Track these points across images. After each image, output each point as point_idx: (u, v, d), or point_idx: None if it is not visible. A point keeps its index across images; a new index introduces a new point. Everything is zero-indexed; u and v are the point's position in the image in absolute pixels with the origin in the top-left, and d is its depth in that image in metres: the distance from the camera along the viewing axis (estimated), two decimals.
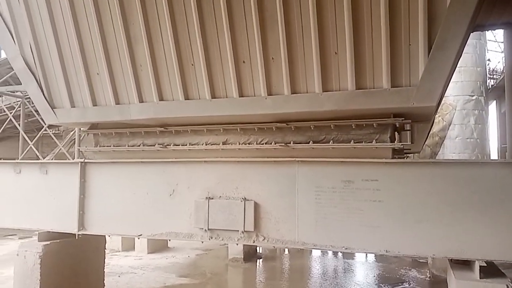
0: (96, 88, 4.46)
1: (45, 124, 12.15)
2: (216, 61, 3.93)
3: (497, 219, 3.46)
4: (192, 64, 4.01)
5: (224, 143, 4.34)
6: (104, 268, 5.77)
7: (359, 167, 3.87)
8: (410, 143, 7.11)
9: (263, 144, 4.19)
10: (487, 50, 18.36)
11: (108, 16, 4.11)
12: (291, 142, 4.07)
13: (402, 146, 3.76)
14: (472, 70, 16.49)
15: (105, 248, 5.85)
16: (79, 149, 6.92)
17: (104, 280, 5.74)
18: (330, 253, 11.16)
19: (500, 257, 3.49)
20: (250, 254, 10.05)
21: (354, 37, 3.47)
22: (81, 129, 5.06)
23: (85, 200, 4.84)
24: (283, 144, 4.08)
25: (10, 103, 14.28)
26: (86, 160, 4.86)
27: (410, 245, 3.69)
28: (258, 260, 10.22)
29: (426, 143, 13.57)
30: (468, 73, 16.46)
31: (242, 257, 9.67)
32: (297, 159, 4.05)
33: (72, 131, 13.73)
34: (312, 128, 4.02)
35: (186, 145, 4.46)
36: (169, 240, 10.19)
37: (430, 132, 13.47)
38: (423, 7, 3.26)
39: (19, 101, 13.35)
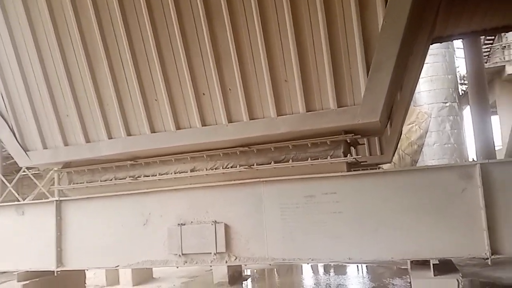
0: (66, 129, 4.68)
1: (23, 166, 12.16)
2: (178, 95, 4.22)
3: (447, 219, 3.76)
4: (156, 100, 4.29)
5: (192, 170, 4.57)
6: None
7: (318, 182, 4.15)
8: (369, 155, 7.50)
9: (229, 168, 4.44)
10: (456, 57, 19.16)
11: (74, 61, 4.38)
12: (255, 164, 4.34)
13: (354, 159, 4.06)
14: (443, 78, 17.16)
15: (85, 284, 5.93)
16: (50, 188, 7.07)
17: None
18: (321, 270, 11.25)
19: (452, 254, 3.79)
20: (235, 277, 10.08)
21: (301, 65, 3.83)
22: (55, 168, 5.24)
23: (62, 237, 4.97)
24: (247, 166, 4.34)
25: None
26: (61, 198, 5.02)
27: (370, 251, 3.96)
28: (244, 282, 10.27)
29: (406, 152, 14.02)
30: (440, 81, 17.11)
31: (227, 280, 9.71)
32: (261, 179, 4.31)
33: (51, 170, 13.72)
34: (273, 150, 4.31)
35: (156, 175, 4.66)
36: (152, 268, 10.23)
37: (409, 141, 13.96)
38: (358, 34, 3.65)
39: None
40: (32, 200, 10.82)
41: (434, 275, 3.75)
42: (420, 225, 3.82)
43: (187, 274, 10.93)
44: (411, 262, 4.28)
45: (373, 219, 3.95)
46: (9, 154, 13.41)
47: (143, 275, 10.60)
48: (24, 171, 12.76)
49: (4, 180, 12.52)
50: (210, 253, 4.38)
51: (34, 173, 13.86)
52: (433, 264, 3.79)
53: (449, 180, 3.81)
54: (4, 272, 10.31)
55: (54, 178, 13.34)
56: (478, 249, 3.67)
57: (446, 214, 3.77)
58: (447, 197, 3.79)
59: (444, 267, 3.91)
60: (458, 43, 20.01)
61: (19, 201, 11.62)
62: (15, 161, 13.95)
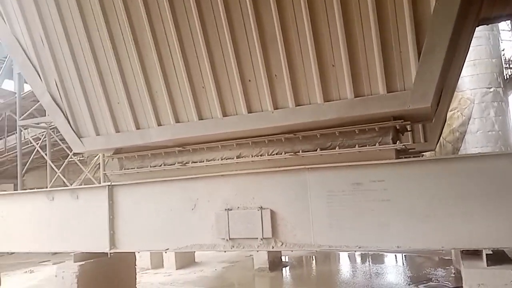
0: (117, 116, 4.86)
1: (70, 152, 12.77)
2: (224, 82, 4.27)
3: (501, 209, 3.62)
4: (203, 87, 4.36)
5: (238, 157, 4.64)
6: (135, 285, 6.09)
7: (366, 169, 4.08)
8: (412, 142, 7.33)
9: (274, 155, 4.47)
10: (501, 40, 18.17)
11: (124, 51, 4.53)
12: (300, 151, 4.34)
13: (403, 146, 3.99)
14: (487, 62, 16.29)
15: (136, 265, 6.18)
16: (104, 173, 7.36)
17: None
18: (358, 259, 11.19)
19: (506, 244, 3.64)
20: (276, 263, 10.21)
21: (349, 49, 3.76)
22: (106, 154, 5.45)
23: (114, 221, 5.17)
24: (293, 153, 4.36)
25: (35, 134, 14.98)
26: (113, 183, 5.22)
27: (419, 239, 3.87)
28: (283, 268, 10.38)
29: (447, 139, 13.60)
30: (484, 65, 16.27)
31: (268, 266, 9.83)
32: (307, 166, 4.28)
33: (95, 156, 14.29)
34: (319, 136, 4.29)
35: (203, 161, 4.77)
36: (194, 252, 10.55)
37: (450, 128, 13.49)
38: (409, 16, 3.54)
39: (44, 131, 14.00)
40: (82, 184, 11.32)
41: (487, 266, 3.65)
42: (472, 214, 3.70)
43: (228, 259, 11.17)
44: (461, 252, 4.17)
45: (422, 207, 3.86)
46: (55, 141, 14.10)
47: (186, 259, 10.93)
48: (71, 157, 13.35)
49: (53, 166, 13.15)
50: (257, 238, 4.43)
51: (79, 160, 14.51)
52: (486, 254, 3.69)
53: (504, 167, 3.66)
54: (55, 253, 10.89)
55: (98, 164, 13.94)
56: None
57: (500, 203, 3.63)
58: (501, 185, 3.64)
59: (497, 257, 3.78)
60: (503, 25, 18.99)
61: (67, 186, 12.24)
62: (61, 148, 14.67)
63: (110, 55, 4.60)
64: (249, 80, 4.16)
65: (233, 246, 4.58)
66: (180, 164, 4.85)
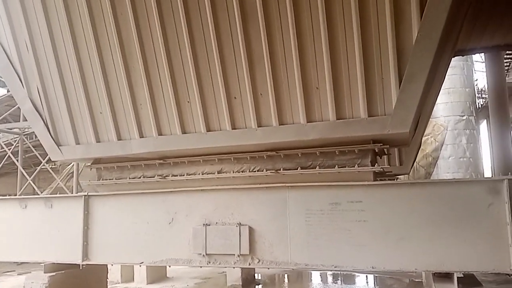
0: (99, 125, 4.82)
1: (43, 160, 12.45)
2: (210, 97, 4.32)
3: (472, 233, 3.77)
4: (188, 101, 4.39)
5: (219, 172, 4.66)
6: None
7: (345, 190, 4.18)
8: (388, 165, 7.53)
9: (255, 171, 4.52)
10: (474, 70, 18.99)
11: (111, 61, 4.53)
12: (281, 169, 4.40)
13: (381, 169, 4.10)
14: (461, 91, 16.98)
15: (107, 279, 6.04)
16: (82, 183, 7.22)
17: None
18: (330, 279, 11.23)
19: (476, 268, 3.78)
20: (249, 281, 10.13)
21: (333, 73, 3.89)
22: (85, 164, 5.37)
23: (88, 232, 5.08)
24: (274, 171, 4.41)
25: (7, 140, 14.55)
26: (89, 193, 5.14)
27: (394, 261, 3.97)
28: (256, 286, 10.31)
29: (420, 164, 13.96)
30: (457, 94, 16.94)
31: (241, 283, 9.75)
32: (287, 184, 4.36)
33: (68, 165, 13.97)
34: (300, 156, 4.37)
35: (183, 175, 4.76)
36: (169, 266, 10.35)
37: (424, 153, 13.86)
38: (392, 45, 3.69)
39: (17, 137, 13.63)
40: (57, 193, 11.01)
41: None
42: (445, 237, 3.83)
43: (200, 275, 11.00)
44: (433, 274, 4.28)
45: (398, 229, 3.97)
46: (28, 148, 13.73)
47: (158, 274, 10.70)
48: (43, 165, 13.00)
49: (25, 173, 12.78)
50: (234, 254, 4.44)
51: (51, 168, 14.14)
52: (457, 277, 3.81)
53: (476, 194, 3.82)
54: (21, 263, 10.50)
55: (71, 173, 13.61)
56: (503, 265, 3.67)
57: (472, 228, 3.78)
58: (473, 211, 3.80)
59: (467, 280, 3.92)
60: (476, 56, 19.84)
61: (38, 194, 11.88)
62: (34, 155, 14.22)
63: (95, 65, 4.58)
64: (235, 97, 4.22)
65: (210, 262, 4.57)
66: (160, 177, 4.83)
